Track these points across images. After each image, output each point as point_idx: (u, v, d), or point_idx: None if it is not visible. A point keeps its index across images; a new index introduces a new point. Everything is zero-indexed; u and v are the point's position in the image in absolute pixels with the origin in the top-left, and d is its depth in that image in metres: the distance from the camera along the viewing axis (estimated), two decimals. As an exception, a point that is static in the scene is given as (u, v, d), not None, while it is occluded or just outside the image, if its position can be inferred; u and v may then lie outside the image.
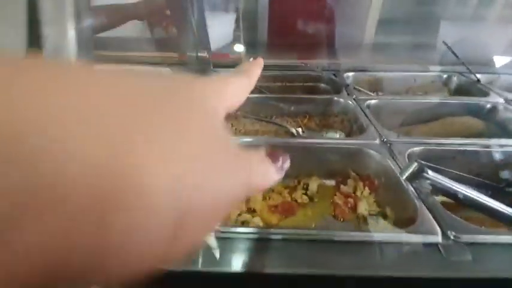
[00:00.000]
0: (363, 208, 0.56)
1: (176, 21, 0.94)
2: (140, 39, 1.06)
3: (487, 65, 1.04)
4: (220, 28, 1.13)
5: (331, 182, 0.64)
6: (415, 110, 0.84)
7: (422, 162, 0.48)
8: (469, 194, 0.45)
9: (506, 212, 0.45)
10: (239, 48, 1.08)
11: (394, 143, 0.62)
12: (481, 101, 0.83)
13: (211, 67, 1.08)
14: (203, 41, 1.01)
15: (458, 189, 0.45)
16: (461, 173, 0.53)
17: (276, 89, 1.05)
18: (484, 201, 0.45)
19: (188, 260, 0.38)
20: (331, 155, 0.64)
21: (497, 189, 0.58)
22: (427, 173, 0.46)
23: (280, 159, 0.18)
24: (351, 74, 1.02)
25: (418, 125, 0.82)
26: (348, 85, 0.92)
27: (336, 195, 0.60)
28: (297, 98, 0.88)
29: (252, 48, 1.14)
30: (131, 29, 1.22)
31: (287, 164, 0.18)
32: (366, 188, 0.60)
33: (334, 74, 1.01)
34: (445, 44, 0.99)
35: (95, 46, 1.12)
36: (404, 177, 0.48)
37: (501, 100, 0.83)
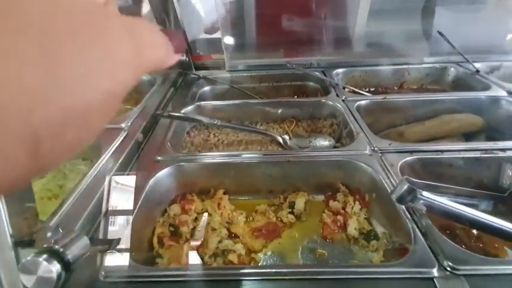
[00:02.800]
0: (353, 227, 0.51)
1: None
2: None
3: (486, 53, 0.97)
4: (201, 29, 1.06)
5: (319, 197, 0.60)
6: (409, 108, 0.79)
7: (415, 180, 0.43)
8: (467, 214, 0.41)
9: (508, 229, 0.40)
10: (221, 48, 1.01)
11: (386, 152, 0.57)
12: (481, 95, 0.78)
13: (193, 70, 1.02)
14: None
15: (455, 210, 0.41)
16: (458, 187, 0.48)
17: (263, 90, 0.99)
18: (484, 220, 0.41)
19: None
20: (318, 168, 0.59)
21: (500, 198, 0.53)
22: (420, 194, 0.41)
23: (176, 38, 0.18)
24: (340, 70, 0.96)
25: (413, 124, 0.76)
26: (337, 84, 0.86)
27: (324, 212, 0.55)
28: (283, 102, 0.82)
29: (238, 47, 1.07)
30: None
31: (183, 46, 0.17)
32: (357, 203, 0.55)
33: (323, 71, 0.95)
34: (440, 33, 0.93)
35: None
36: (395, 198, 0.43)
37: (503, 93, 0.77)
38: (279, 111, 0.81)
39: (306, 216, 0.56)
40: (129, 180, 0.43)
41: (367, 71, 0.97)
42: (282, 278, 0.38)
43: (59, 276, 0.25)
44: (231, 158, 0.59)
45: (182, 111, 0.77)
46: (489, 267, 0.36)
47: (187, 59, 0.97)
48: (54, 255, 0.25)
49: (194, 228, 0.54)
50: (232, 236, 0.52)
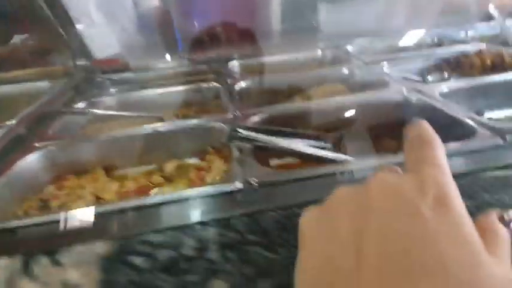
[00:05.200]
0: (211, 177, 0.59)
1: (40, 32, 0.92)
2: (13, 57, 1.02)
3: (359, 36, 1.15)
4: (106, 33, 1.11)
5: (195, 161, 0.67)
6: (280, 88, 0.91)
7: (238, 124, 0.52)
8: (275, 143, 0.50)
9: (310, 152, 0.50)
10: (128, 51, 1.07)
11: (243, 115, 0.66)
12: (340, 69, 0.92)
13: (100, 74, 1.05)
14: (80, 49, 0.99)
15: (266, 141, 0.50)
16: (285, 129, 0.58)
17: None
18: (289, 147, 0.51)
19: None
20: (189, 137, 0.66)
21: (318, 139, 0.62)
22: (239, 132, 0.50)
23: None
24: (236, 63, 1.07)
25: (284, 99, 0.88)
26: (228, 73, 0.97)
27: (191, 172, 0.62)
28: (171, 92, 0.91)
29: (147, 48, 1.14)
30: None
31: None
32: (222, 160, 0.63)
33: (218, 65, 1.05)
34: (315, 24, 1.09)
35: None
36: (225, 140, 0.51)
37: (360, 63, 0.93)
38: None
39: (176, 177, 0.63)
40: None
41: (261, 61, 1.09)
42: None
43: None
44: (103, 136, 0.65)
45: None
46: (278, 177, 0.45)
47: (89, 64, 1.02)
48: None
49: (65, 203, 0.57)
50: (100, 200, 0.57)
